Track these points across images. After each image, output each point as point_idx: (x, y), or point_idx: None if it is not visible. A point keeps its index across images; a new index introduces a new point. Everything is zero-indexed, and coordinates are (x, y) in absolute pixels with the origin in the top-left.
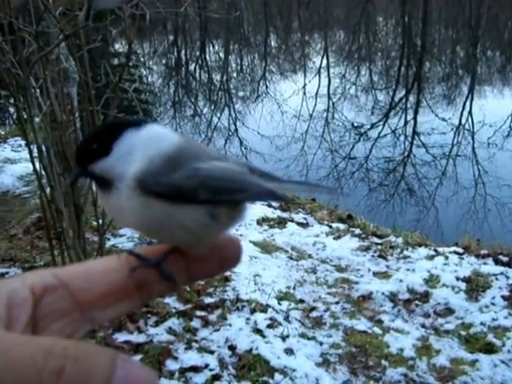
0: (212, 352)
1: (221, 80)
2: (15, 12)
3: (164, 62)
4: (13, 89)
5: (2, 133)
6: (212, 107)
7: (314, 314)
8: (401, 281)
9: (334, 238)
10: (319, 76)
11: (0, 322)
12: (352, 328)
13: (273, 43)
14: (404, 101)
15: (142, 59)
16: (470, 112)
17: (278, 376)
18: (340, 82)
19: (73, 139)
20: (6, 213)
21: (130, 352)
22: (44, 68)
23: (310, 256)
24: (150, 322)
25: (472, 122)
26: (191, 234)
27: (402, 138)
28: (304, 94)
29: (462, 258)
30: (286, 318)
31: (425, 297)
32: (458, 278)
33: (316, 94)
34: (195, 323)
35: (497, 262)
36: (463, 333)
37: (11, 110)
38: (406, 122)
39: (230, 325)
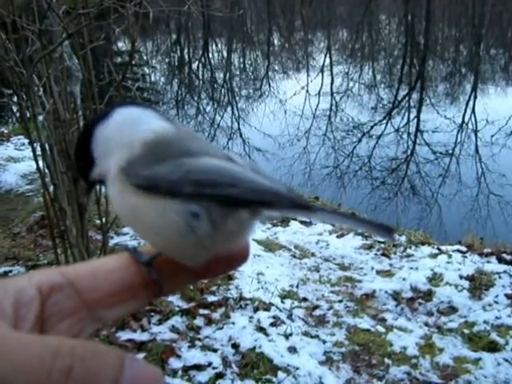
0: (215, 350)
1: (224, 78)
2: (18, 10)
3: (167, 60)
4: (16, 87)
5: (6, 131)
6: (215, 106)
7: (318, 312)
8: (404, 279)
9: (337, 237)
10: (322, 74)
11: (7, 321)
12: (355, 326)
13: (276, 42)
14: (407, 99)
15: (145, 58)
16: (473, 110)
17: (281, 374)
18: (343, 81)
19: (76, 137)
20: (10, 211)
21: (133, 350)
22: (47, 66)
23: (313, 254)
24: (153, 320)
25: (475, 120)
26: (165, 240)
27: (405, 136)
28: (307, 92)
29: (466, 257)
30: (290, 317)
31: (428, 295)
32: (461, 277)
33: (319, 92)
34: (198, 321)
35: (500, 260)
36: (466, 331)
37: (14, 108)
38: (409, 121)
39: (234, 323)
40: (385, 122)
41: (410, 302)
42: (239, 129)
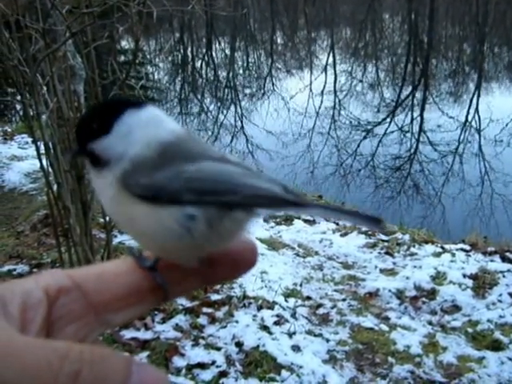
0: (219, 349)
1: (227, 77)
2: (22, 9)
3: (170, 59)
4: (20, 86)
5: (9, 130)
6: (218, 104)
7: (321, 310)
8: (407, 278)
9: (341, 235)
10: (325, 73)
11: (14, 323)
12: (359, 325)
13: (279, 40)
14: (410, 98)
15: (148, 56)
16: (476, 109)
17: (284, 373)
18: (346, 79)
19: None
20: (13, 210)
21: (137, 349)
22: (51, 65)
23: (316, 253)
24: (157, 318)
25: (479, 119)
26: (161, 243)
27: (408, 135)
28: (310, 91)
29: (469, 255)
30: (293, 315)
31: (431, 294)
32: (464, 275)
33: (322, 91)
34: (202, 320)
35: (504, 259)
36: (470, 330)
37: (18, 107)
38: (412, 119)
39: (237, 321)
40: (388, 120)
41: (414, 301)
42: (242, 127)
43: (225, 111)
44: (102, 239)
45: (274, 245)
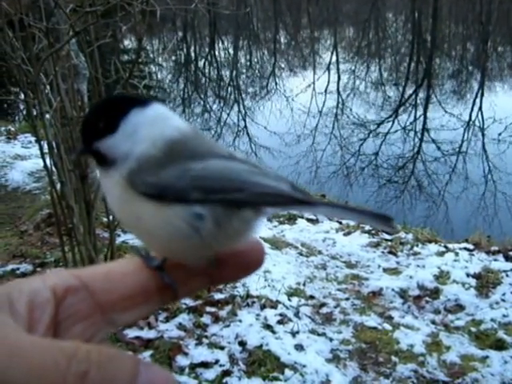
0: (222, 348)
1: (230, 76)
2: (25, 8)
3: (173, 58)
4: (23, 85)
5: (13, 129)
6: (221, 103)
7: (324, 310)
8: (411, 277)
9: (344, 235)
10: (329, 72)
11: (21, 323)
12: (362, 324)
13: (282, 39)
14: (414, 97)
15: (151, 56)
16: (480, 108)
17: (288, 372)
18: (349, 78)
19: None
20: (17, 209)
21: (140, 348)
22: (54, 64)
23: (319, 252)
24: (160, 317)
25: (482, 118)
26: (169, 243)
27: (411, 134)
28: (313, 90)
29: (473, 255)
30: (296, 314)
31: (435, 293)
32: (468, 275)
33: (325, 90)
34: (205, 319)
35: (507, 258)
36: (473, 329)
37: (21, 106)
38: (415, 118)
39: (240, 321)
40: (391, 119)
41: (417, 300)
42: (246, 126)
43: (228, 110)
44: (106, 238)
45: (277, 244)
